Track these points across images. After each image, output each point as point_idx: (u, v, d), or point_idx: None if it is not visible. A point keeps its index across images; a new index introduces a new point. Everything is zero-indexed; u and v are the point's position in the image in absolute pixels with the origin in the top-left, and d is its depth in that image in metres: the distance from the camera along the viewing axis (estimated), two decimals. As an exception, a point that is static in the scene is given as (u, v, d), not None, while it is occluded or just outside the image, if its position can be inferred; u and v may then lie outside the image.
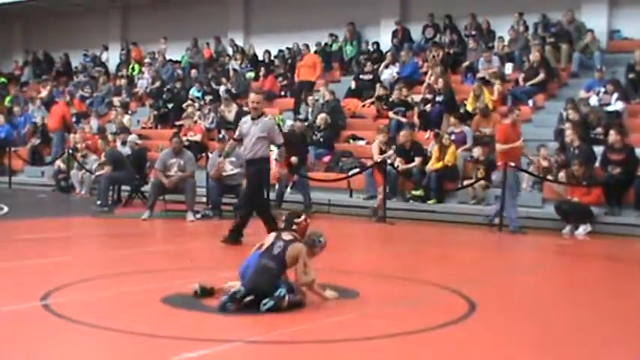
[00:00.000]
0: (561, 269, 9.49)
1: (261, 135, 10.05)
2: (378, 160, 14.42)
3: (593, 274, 9.30)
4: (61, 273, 7.84)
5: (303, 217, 6.82)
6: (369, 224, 13.63)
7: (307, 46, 20.66)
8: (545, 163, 13.77)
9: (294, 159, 14.54)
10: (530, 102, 16.70)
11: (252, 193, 10.39)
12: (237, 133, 10.45)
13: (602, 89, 15.42)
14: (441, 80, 16.85)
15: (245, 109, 19.08)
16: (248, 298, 6.10)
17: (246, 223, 10.22)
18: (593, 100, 15.22)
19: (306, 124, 17.71)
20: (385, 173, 14.02)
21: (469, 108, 16.29)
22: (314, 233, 6.70)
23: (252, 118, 10.18)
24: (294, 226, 6.67)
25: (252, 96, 10.39)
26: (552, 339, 5.63)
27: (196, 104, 20.11)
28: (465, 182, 14.33)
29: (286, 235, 6.50)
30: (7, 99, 24.95)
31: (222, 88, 20.68)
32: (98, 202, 14.27)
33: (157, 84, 22.43)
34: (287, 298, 6.09)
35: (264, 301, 6.04)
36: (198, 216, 13.27)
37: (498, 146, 12.65)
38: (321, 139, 16.90)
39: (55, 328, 5.66)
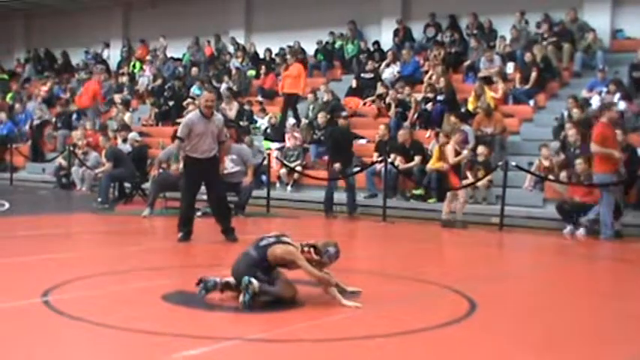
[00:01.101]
0: (562, 269, 9.47)
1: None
2: (452, 163, 13.15)
3: (594, 275, 9.30)
4: (61, 270, 7.83)
5: (318, 257, 6.43)
6: (369, 223, 13.61)
7: (297, 50, 20.45)
8: (546, 163, 13.77)
9: (337, 165, 14.00)
10: (531, 102, 16.70)
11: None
12: (183, 132, 10.06)
13: (605, 89, 15.40)
14: (442, 79, 16.85)
15: (246, 107, 19.16)
16: (224, 280, 6.31)
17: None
18: (595, 100, 15.20)
19: (307, 121, 17.72)
20: (460, 176, 13.33)
21: (470, 107, 16.28)
22: (326, 243, 6.54)
23: (206, 117, 10.06)
24: (305, 248, 6.42)
25: (206, 95, 10.37)
26: (553, 339, 5.62)
27: (197, 102, 20.08)
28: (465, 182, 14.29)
29: (286, 238, 6.46)
30: (9, 96, 24.98)
31: (223, 86, 20.67)
32: (99, 199, 14.28)
33: (159, 81, 22.42)
34: (255, 283, 6.10)
35: (240, 298, 6.11)
36: (199, 214, 13.19)
37: (594, 147, 11.81)
38: (322, 138, 16.89)
39: (56, 325, 5.65)
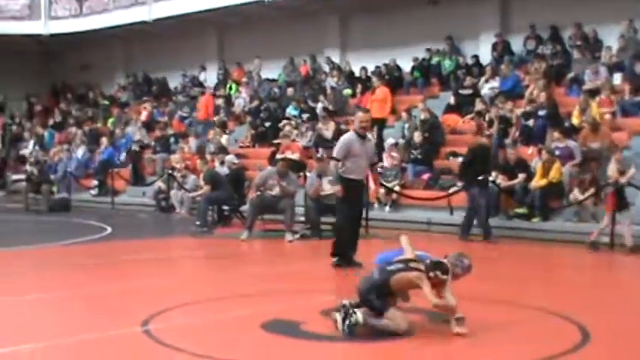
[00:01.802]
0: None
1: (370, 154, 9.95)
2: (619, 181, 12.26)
3: None
4: (162, 296, 7.80)
5: (446, 277, 6.13)
6: (469, 243, 13.16)
7: (386, 71, 20.06)
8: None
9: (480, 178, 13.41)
10: (643, 113, 15.93)
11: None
12: (341, 152, 9.80)
13: None
14: (543, 94, 16.27)
15: (343, 126, 18.96)
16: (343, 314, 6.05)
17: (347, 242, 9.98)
18: None
19: (405, 141, 17.41)
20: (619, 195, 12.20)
21: (575, 122, 15.65)
22: (461, 254, 6.36)
23: (362, 137, 9.85)
24: (432, 274, 6.08)
25: (360, 115, 10.02)
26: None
27: (293, 122, 20.08)
28: (573, 199, 13.69)
29: (414, 264, 6.18)
30: (110, 121, 25.60)
31: (319, 106, 20.60)
32: (197, 223, 14.32)
33: (255, 103, 22.55)
34: (359, 316, 5.90)
35: (338, 325, 6.00)
36: (297, 236, 13.14)
37: None
38: (420, 157, 16.56)
39: (155, 356, 5.55)
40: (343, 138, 10.12)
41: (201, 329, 6.42)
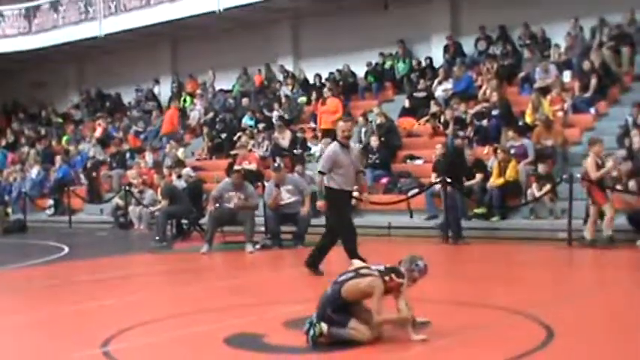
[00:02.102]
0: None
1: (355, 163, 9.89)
2: (595, 178, 11.96)
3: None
4: (121, 316, 7.67)
5: (402, 280, 6.08)
6: (431, 245, 13.20)
7: (328, 87, 19.83)
8: (614, 173, 13.18)
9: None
10: (592, 110, 16.15)
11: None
12: (327, 165, 9.66)
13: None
14: (496, 93, 16.42)
15: (299, 135, 18.93)
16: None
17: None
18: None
19: (359, 146, 17.42)
20: (604, 190, 12.01)
21: (528, 120, 15.81)
22: (413, 257, 6.21)
23: (346, 147, 9.75)
24: (387, 278, 6.01)
25: (341, 124, 9.88)
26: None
27: (249, 132, 20.00)
28: (530, 196, 13.82)
29: (365, 270, 6.10)
30: (65, 139, 25.25)
31: (274, 115, 20.54)
32: (156, 238, 14.16)
33: (210, 114, 22.43)
34: (323, 327, 5.83)
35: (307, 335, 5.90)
36: (258, 246, 13.06)
37: None
38: (377, 161, 16.59)
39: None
40: (328, 150, 10.04)
41: (163, 347, 6.31)
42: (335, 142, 9.91)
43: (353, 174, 9.80)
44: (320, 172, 9.77)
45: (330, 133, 17.74)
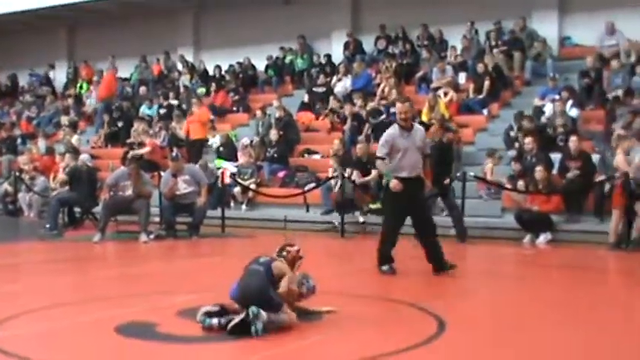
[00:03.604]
0: (525, 281, 9.32)
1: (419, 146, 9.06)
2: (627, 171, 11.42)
3: (557, 285, 9.16)
4: (6, 304, 7.40)
5: (296, 247, 6.41)
6: (327, 240, 13.36)
7: (197, 97, 19.42)
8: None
9: (448, 181, 12.59)
10: (485, 111, 16.66)
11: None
12: (384, 149, 9.01)
13: (557, 96, 15.41)
14: (394, 91, 16.72)
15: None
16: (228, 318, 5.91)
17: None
18: (549, 108, 15.20)
19: (257, 139, 17.48)
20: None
21: (424, 119, 16.15)
22: (303, 276, 6.30)
23: (406, 130, 8.99)
24: (284, 253, 6.34)
25: (399, 106, 9.21)
26: (526, 355, 5.43)
27: (146, 119, 19.71)
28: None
29: (267, 257, 6.29)
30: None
31: (174, 104, 20.33)
32: (47, 226, 13.78)
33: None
34: (263, 315, 5.78)
35: (252, 330, 5.75)
36: (152, 236, 12.90)
37: None
38: (275, 155, 16.65)
39: (0, 366, 5.29)
40: (385, 133, 9.23)
41: (50, 335, 6.15)
42: (394, 125, 9.18)
43: (415, 159, 8.96)
44: (377, 157, 9.13)
45: (197, 144, 17.65)
